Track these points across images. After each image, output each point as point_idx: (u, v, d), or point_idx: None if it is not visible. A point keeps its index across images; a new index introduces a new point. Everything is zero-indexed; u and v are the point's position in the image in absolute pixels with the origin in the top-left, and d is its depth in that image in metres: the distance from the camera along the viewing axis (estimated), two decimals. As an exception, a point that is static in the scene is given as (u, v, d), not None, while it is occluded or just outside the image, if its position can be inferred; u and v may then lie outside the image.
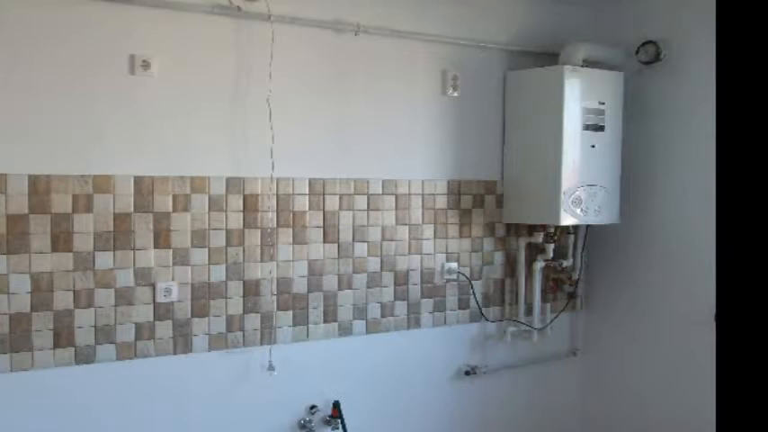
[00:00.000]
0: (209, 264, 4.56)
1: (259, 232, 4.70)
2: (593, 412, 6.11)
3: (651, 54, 5.54)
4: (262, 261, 4.71)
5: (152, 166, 4.37)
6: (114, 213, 4.29)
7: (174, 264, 4.46)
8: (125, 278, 4.33)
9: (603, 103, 5.38)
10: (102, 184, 4.25)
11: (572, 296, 5.98)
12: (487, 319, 5.61)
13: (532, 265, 5.72)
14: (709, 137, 5.16)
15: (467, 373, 5.54)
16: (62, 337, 4.18)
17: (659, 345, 5.69)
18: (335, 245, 4.96)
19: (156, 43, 4.35)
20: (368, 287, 5.10)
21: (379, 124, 5.08)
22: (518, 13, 5.64)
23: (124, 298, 4.33)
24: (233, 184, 4.60)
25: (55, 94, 4.11)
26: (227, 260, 4.61)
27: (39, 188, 4.08)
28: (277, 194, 4.74)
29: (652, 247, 5.70)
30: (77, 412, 4.25)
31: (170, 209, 4.43)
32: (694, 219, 5.40)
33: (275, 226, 4.74)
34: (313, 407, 4.93)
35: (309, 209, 4.85)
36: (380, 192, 5.11)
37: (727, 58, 2.84)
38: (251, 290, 4.70)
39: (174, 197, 4.44)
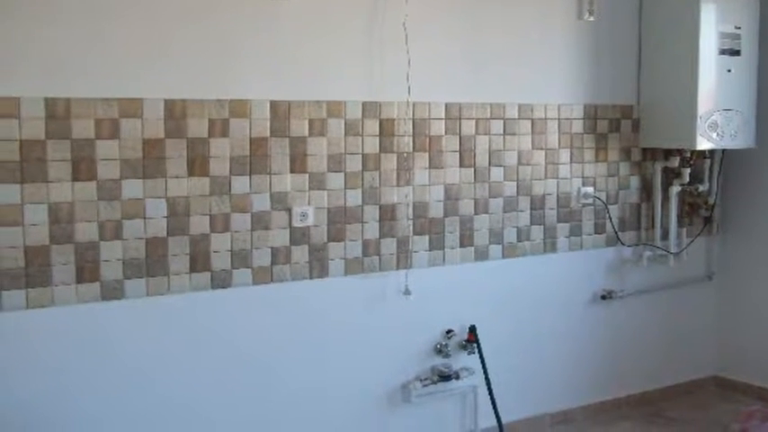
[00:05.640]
0: (345, 188, 4.22)
1: (395, 156, 4.34)
2: (729, 336, 5.72)
3: (789, -22, 5.15)
4: (398, 185, 4.36)
5: (288, 91, 4.03)
6: (250, 138, 3.95)
7: (310, 188, 4.12)
8: (261, 203, 3.99)
9: (740, 28, 5.04)
10: (238, 108, 3.90)
11: (708, 220, 5.56)
12: (623, 244, 5.20)
13: (668, 190, 5.34)
14: None
15: (603, 297, 5.15)
16: (198, 261, 3.85)
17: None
18: (471, 169, 4.59)
19: (291, -33, 3.98)
20: (504, 211, 4.73)
21: (514, 49, 4.73)
22: (656, -65, 5.15)
23: (260, 222, 4.00)
24: (369, 108, 4.25)
25: (191, 19, 3.78)
26: (363, 185, 4.26)
27: (175, 113, 3.75)
28: (413, 119, 4.38)
29: (790, 171, 5.31)
30: (213, 336, 3.94)
31: (306, 133, 4.08)
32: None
33: (411, 150, 4.38)
34: (449, 331, 4.57)
35: (445, 133, 4.49)
36: (516, 116, 4.72)
37: None
38: (387, 214, 4.34)
39: (310, 121, 4.10)
